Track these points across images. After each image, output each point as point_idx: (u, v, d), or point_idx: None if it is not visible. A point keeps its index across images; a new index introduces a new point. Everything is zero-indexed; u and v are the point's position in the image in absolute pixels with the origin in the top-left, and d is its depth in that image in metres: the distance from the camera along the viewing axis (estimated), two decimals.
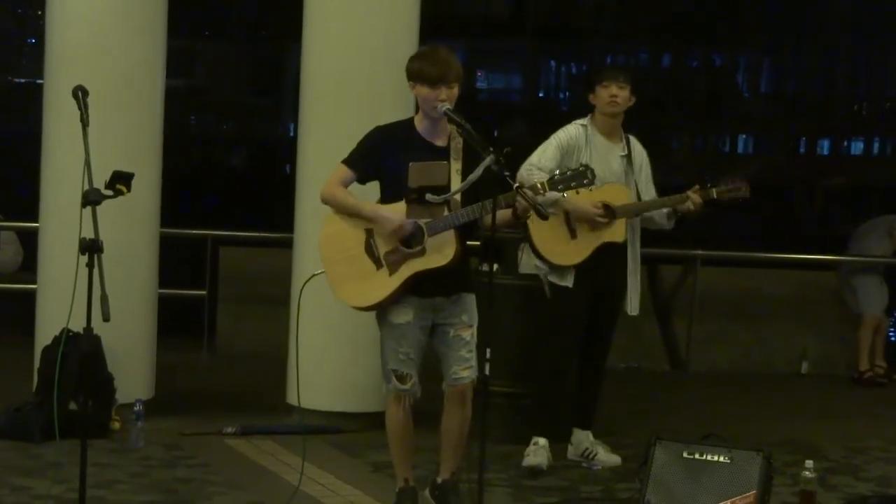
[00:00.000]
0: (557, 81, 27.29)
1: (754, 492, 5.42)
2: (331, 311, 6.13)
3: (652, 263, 9.91)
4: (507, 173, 4.86)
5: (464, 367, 5.18)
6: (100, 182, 4.64)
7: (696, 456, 5.57)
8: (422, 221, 5.03)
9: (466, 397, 5.22)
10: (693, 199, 6.37)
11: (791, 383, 9.79)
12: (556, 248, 6.38)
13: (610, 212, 6.31)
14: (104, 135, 6.07)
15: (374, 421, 6.51)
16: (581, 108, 6.62)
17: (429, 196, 4.99)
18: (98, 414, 6.66)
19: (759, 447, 5.56)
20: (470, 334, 5.21)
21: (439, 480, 5.39)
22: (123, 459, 6.29)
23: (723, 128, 24.99)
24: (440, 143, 5.16)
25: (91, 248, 4.40)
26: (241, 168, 22.25)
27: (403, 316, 5.14)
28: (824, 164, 23.70)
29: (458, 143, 5.12)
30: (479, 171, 4.84)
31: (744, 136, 25.78)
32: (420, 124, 5.19)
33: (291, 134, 17.46)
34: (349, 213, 5.17)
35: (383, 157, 5.13)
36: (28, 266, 9.35)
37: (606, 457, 6.58)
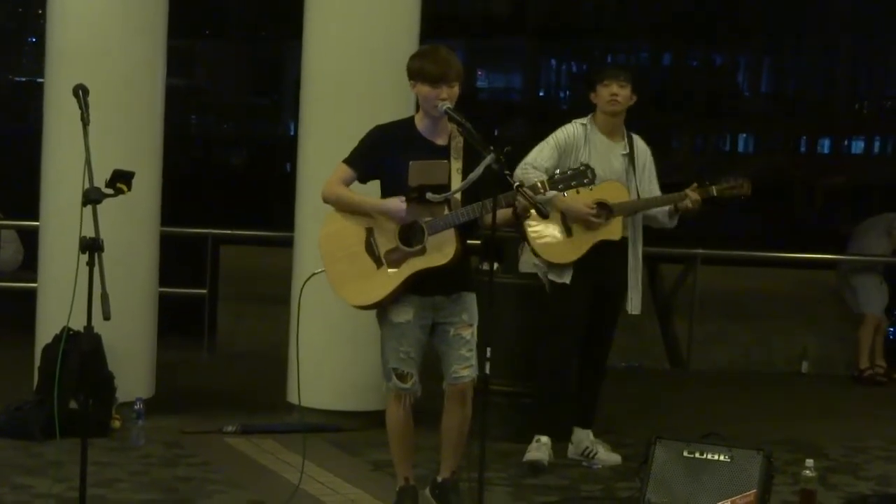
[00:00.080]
0: (558, 80, 27.33)
1: (755, 491, 5.42)
2: (331, 310, 6.13)
3: (652, 262, 9.92)
4: (507, 172, 4.86)
5: (464, 366, 5.18)
6: (100, 181, 4.63)
7: (697, 455, 5.57)
8: (422, 220, 5.03)
9: (467, 396, 5.22)
10: (692, 196, 6.36)
11: (791, 382, 9.79)
12: (552, 246, 6.38)
13: (606, 210, 6.31)
14: (105, 134, 6.06)
15: (374, 419, 6.51)
16: (582, 107, 6.62)
17: (429, 195, 4.99)
18: (98, 412, 6.66)
19: (760, 446, 5.56)
20: (470, 333, 5.21)
21: (439, 479, 5.39)
22: (124, 458, 6.29)
23: (723, 127, 25.02)
24: (441, 141, 5.16)
25: (91, 246, 4.40)
26: (242, 167, 22.27)
27: (404, 315, 5.14)
28: (825, 163, 23.72)
29: (458, 142, 5.12)
30: (479, 170, 4.84)
31: (744, 135, 25.81)
32: (420, 123, 5.19)
33: (292, 133, 17.49)
34: (352, 209, 5.16)
35: (384, 155, 5.13)
36: (28, 265, 9.35)
37: (607, 456, 6.59)
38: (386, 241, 5.11)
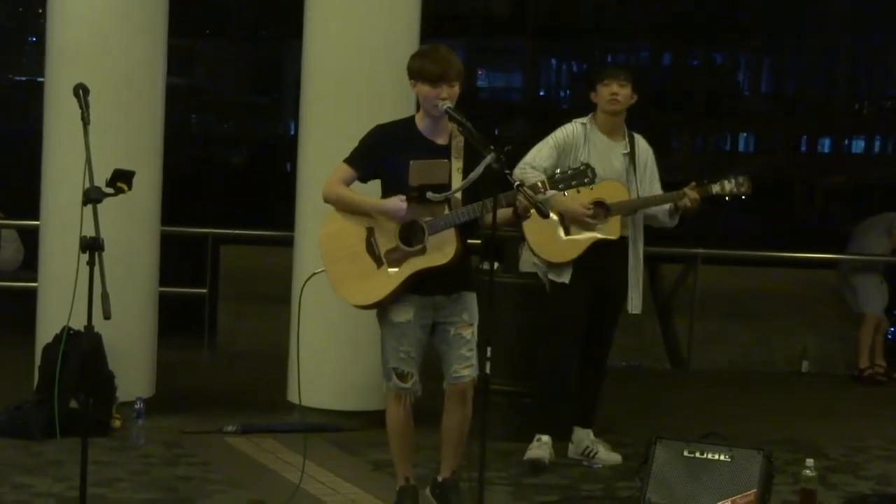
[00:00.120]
0: (558, 80, 27.33)
1: (755, 490, 5.43)
2: (331, 310, 6.13)
3: (653, 262, 9.91)
4: (507, 172, 4.86)
5: (464, 366, 5.18)
6: (100, 180, 4.63)
7: (697, 454, 5.58)
8: (422, 220, 5.03)
9: (467, 396, 5.22)
10: (690, 195, 6.34)
11: (791, 382, 9.79)
12: (550, 245, 6.39)
13: (604, 209, 6.31)
14: (105, 133, 6.05)
15: (374, 419, 6.51)
16: (582, 107, 6.62)
17: (429, 194, 4.99)
18: (99, 412, 6.66)
19: (760, 446, 5.56)
20: (470, 333, 5.21)
21: (440, 479, 5.39)
22: (124, 457, 6.29)
23: (723, 126, 25.02)
24: (441, 141, 5.16)
25: (92, 246, 4.40)
26: (242, 166, 22.27)
27: (404, 314, 5.14)
28: (825, 162, 23.72)
29: (459, 142, 5.12)
30: (479, 170, 4.84)
31: (744, 134, 25.81)
32: (421, 123, 5.19)
33: (292, 132, 17.49)
34: (352, 209, 5.16)
35: (384, 155, 5.13)
36: (29, 264, 9.36)
37: (607, 455, 6.59)
38: (386, 241, 5.11)
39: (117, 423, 6.81)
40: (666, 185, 6.57)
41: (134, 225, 6.99)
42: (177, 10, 7.31)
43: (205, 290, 9.85)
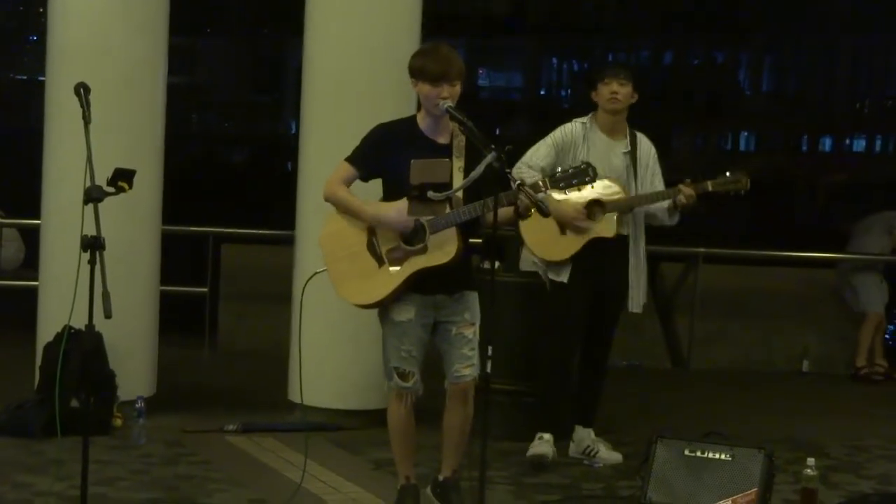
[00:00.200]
0: (559, 79, 27.33)
1: (756, 489, 5.43)
2: (332, 309, 6.12)
3: (653, 261, 9.89)
4: (508, 171, 4.86)
5: (466, 365, 5.18)
6: (101, 179, 4.64)
7: (698, 454, 5.58)
8: (424, 219, 5.03)
9: (468, 395, 5.22)
10: (685, 191, 6.32)
11: (792, 381, 9.78)
12: (546, 244, 6.39)
13: (600, 207, 6.31)
14: (106, 132, 6.05)
15: (375, 418, 6.51)
16: (583, 106, 6.62)
17: (430, 193, 4.99)
18: (99, 411, 6.66)
19: (761, 445, 5.56)
20: (472, 332, 5.20)
21: (441, 478, 5.39)
22: (125, 456, 6.29)
23: (724, 125, 25.01)
24: (442, 140, 5.16)
25: (93, 245, 4.41)
26: (243, 165, 22.27)
27: (405, 313, 5.13)
28: (826, 161, 23.72)
29: (460, 141, 5.12)
30: (480, 169, 4.84)
31: (745, 133, 25.81)
32: (422, 122, 5.19)
33: (293, 131, 17.48)
34: (351, 214, 5.16)
35: (386, 154, 5.13)
36: (30, 263, 9.36)
37: (608, 454, 6.58)
38: (387, 240, 5.11)
39: (118, 422, 6.80)
40: (667, 185, 6.56)
41: (135, 224, 6.99)
42: (177, 8, 7.31)
43: (206, 289, 9.85)
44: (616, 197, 6.34)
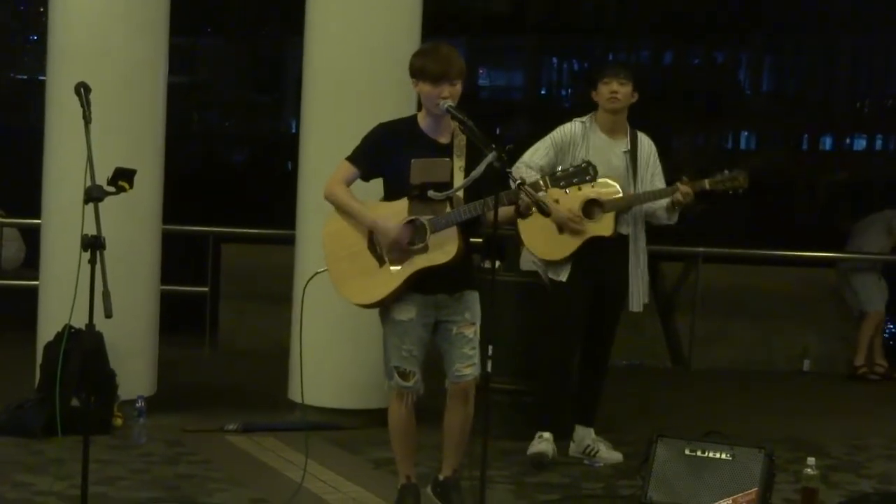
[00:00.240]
0: (559, 79, 27.30)
1: (756, 489, 5.43)
2: (332, 309, 6.12)
3: (654, 260, 9.89)
4: (509, 170, 4.86)
5: (466, 365, 5.18)
6: (102, 179, 4.64)
7: (698, 453, 5.58)
8: (424, 218, 5.03)
9: (469, 395, 5.22)
10: (682, 190, 6.31)
11: (793, 381, 9.79)
12: (544, 243, 6.40)
13: (597, 206, 6.31)
14: (106, 132, 6.06)
15: (375, 418, 6.52)
16: (584, 106, 6.62)
17: (431, 193, 4.99)
18: (100, 410, 6.66)
19: (761, 444, 5.57)
20: (473, 332, 5.20)
21: (441, 477, 5.39)
22: (125, 456, 6.29)
23: (724, 125, 24.99)
24: (443, 140, 5.15)
25: (93, 244, 4.41)
26: (243, 165, 22.25)
27: (406, 313, 5.13)
28: (827, 160, 23.71)
29: (461, 140, 5.12)
30: (481, 168, 4.84)
31: (746, 133, 25.79)
32: (423, 121, 5.19)
33: (293, 130, 17.47)
34: (349, 215, 5.16)
35: (387, 154, 5.13)
36: (30, 263, 9.37)
37: (608, 454, 6.59)
38: None
39: (118, 422, 6.81)
40: (668, 184, 6.55)
41: (135, 223, 6.99)
42: (178, 8, 7.31)
43: (206, 289, 9.86)
44: (614, 196, 6.34)
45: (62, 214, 6.80)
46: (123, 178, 4.85)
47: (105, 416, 6.72)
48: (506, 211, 4.96)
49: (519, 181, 4.89)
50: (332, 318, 6.74)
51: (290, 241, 7.61)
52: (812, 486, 5.58)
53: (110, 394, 6.82)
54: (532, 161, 6.32)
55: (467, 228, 5.09)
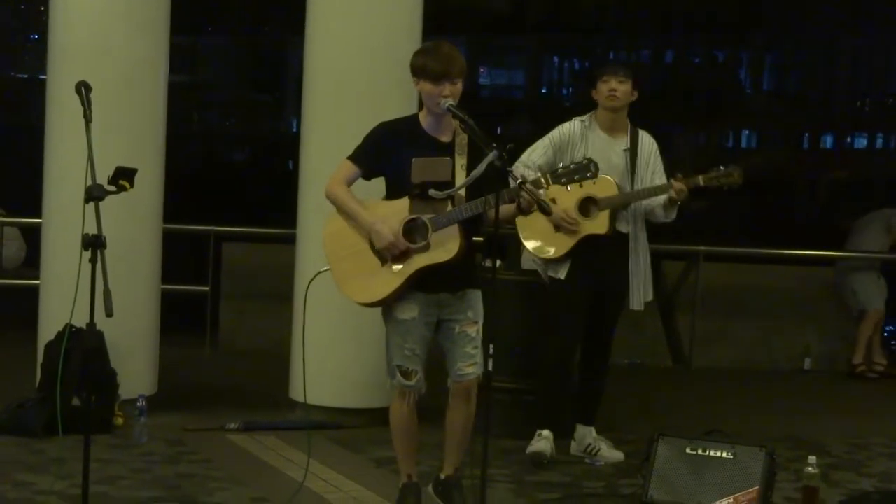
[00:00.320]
0: (560, 77, 27.30)
1: (757, 487, 5.43)
2: (333, 308, 6.13)
3: (655, 259, 9.89)
4: (510, 169, 4.86)
5: (469, 364, 5.18)
6: (103, 178, 4.64)
7: (700, 452, 5.58)
8: (425, 217, 5.03)
9: (471, 393, 5.22)
10: (676, 186, 6.30)
11: (794, 379, 9.79)
12: (541, 241, 6.40)
13: (593, 204, 6.31)
14: (107, 131, 6.06)
15: (376, 416, 6.52)
16: (584, 105, 6.62)
17: (432, 192, 4.99)
18: (101, 409, 6.66)
19: (763, 443, 5.57)
20: (475, 331, 5.20)
21: (443, 476, 5.39)
22: (126, 455, 6.29)
23: (725, 124, 24.98)
24: (445, 138, 5.15)
25: (94, 243, 4.41)
26: (244, 164, 22.25)
27: (409, 312, 5.13)
28: (827, 158, 23.71)
29: (462, 139, 5.12)
30: (482, 167, 4.84)
31: (746, 131, 25.79)
32: (425, 120, 5.18)
33: (294, 130, 17.47)
34: (348, 216, 5.16)
35: (388, 152, 5.12)
36: (31, 262, 9.37)
37: (609, 453, 6.58)
38: None
39: (119, 421, 6.81)
40: None
41: (136, 222, 6.99)
42: (178, 7, 7.31)
43: (207, 288, 9.85)
44: (610, 193, 6.34)
45: (63, 213, 6.80)
46: (124, 177, 4.84)
47: (106, 416, 6.72)
48: (507, 209, 4.96)
49: (520, 180, 4.89)
50: (334, 317, 6.74)
51: (290, 241, 7.61)
52: (813, 484, 5.59)
53: (111, 393, 6.81)
54: (530, 160, 6.33)
55: (469, 227, 5.09)
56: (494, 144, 4.81)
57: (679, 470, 5.60)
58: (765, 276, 10.49)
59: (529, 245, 6.45)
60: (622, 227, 6.42)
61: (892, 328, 10.90)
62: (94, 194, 4.51)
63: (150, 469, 6.07)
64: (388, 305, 5.17)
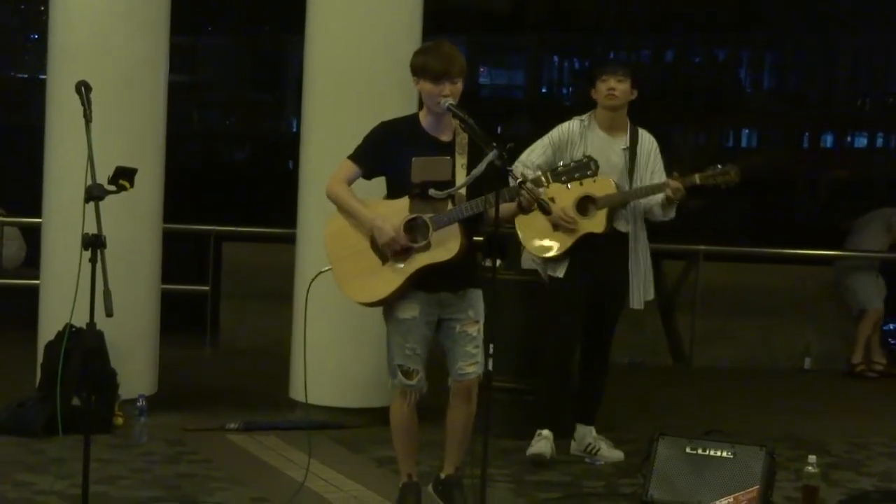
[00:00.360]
0: (560, 77, 27.30)
1: (757, 487, 5.43)
2: (334, 307, 6.13)
3: (655, 258, 9.89)
4: (509, 168, 4.86)
5: (469, 363, 5.17)
6: (103, 177, 4.64)
7: (700, 451, 5.58)
8: (426, 216, 5.03)
9: (472, 393, 5.21)
10: (671, 185, 6.29)
11: (794, 379, 9.78)
12: (538, 240, 6.40)
13: (591, 203, 6.31)
14: (107, 130, 6.06)
15: (376, 416, 6.52)
16: (585, 104, 6.62)
17: (432, 191, 4.99)
18: (101, 409, 6.66)
19: (763, 442, 5.57)
20: (476, 330, 5.20)
21: (443, 476, 5.39)
22: (126, 455, 6.29)
23: (726, 123, 24.99)
24: (445, 138, 5.15)
25: (94, 243, 4.41)
26: (244, 164, 22.25)
27: (410, 311, 5.13)
28: (828, 157, 23.71)
29: (463, 139, 5.12)
30: (482, 167, 4.84)
31: (747, 130, 25.79)
32: (425, 119, 5.18)
33: (294, 129, 17.47)
34: (349, 214, 5.16)
35: (389, 152, 5.12)
36: (31, 262, 9.37)
37: (609, 452, 6.58)
38: None
39: (119, 421, 6.81)
40: None
41: (136, 222, 6.99)
42: (178, 7, 7.31)
43: (207, 288, 9.85)
44: (608, 192, 6.33)
45: (63, 213, 6.80)
46: (124, 176, 4.84)
47: (106, 415, 6.72)
48: (507, 207, 4.96)
49: (520, 179, 4.89)
50: (334, 316, 6.73)
51: (290, 240, 7.61)
52: (813, 483, 5.59)
53: (111, 393, 6.81)
54: (529, 160, 6.33)
55: (470, 226, 5.09)
56: (494, 144, 4.81)
57: (679, 469, 5.60)
58: (765, 275, 10.49)
59: (528, 244, 6.46)
60: (621, 227, 6.42)
61: (892, 327, 10.89)
62: (94, 194, 4.51)
63: (150, 469, 6.07)
64: (388, 305, 5.17)
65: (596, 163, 5.06)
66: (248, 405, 7.44)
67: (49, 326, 6.89)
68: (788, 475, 6.14)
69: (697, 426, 6.20)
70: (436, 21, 7.66)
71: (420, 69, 5.08)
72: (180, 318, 9.25)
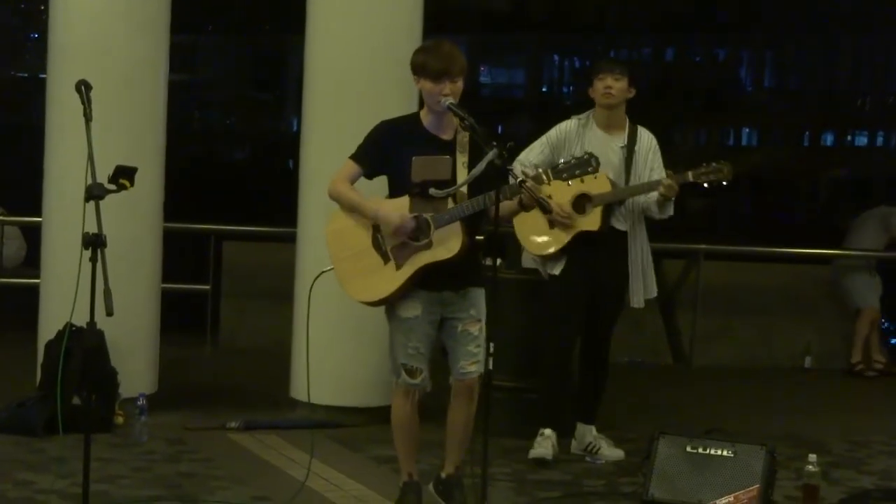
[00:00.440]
0: (561, 76, 27.30)
1: (758, 486, 5.43)
2: (334, 306, 6.13)
3: (655, 257, 9.89)
4: (509, 167, 4.86)
5: (471, 362, 5.17)
6: (103, 177, 4.64)
7: (700, 450, 5.58)
8: (427, 215, 5.03)
9: (473, 392, 5.21)
10: (664, 182, 6.29)
11: (794, 378, 9.78)
12: (534, 238, 6.41)
13: (588, 200, 6.31)
14: (107, 130, 6.06)
15: (377, 415, 6.52)
16: (585, 103, 6.62)
17: (432, 190, 4.99)
18: (101, 408, 6.66)
19: (763, 441, 5.57)
20: (478, 329, 5.20)
21: (443, 475, 5.39)
22: (127, 454, 6.29)
23: (726, 122, 24.99)
24: (446, 137, 5.15)
25: (94, 242, 4.41)
26: (244, 163, 22.26)
27: (412, 310, 5.13)
28: (828, 156, 23.71)
29: (464, 137, 5.12)
30: (482, 166, 4.84)
31: (747, 129, 25.79)
32: (426, 118, 5.18)
33: (294, 129, 17.47)
34: (353, 210, 5.16)
35: (389, 151, 5.13)
36: (31, 261, 9.37)
37: (610, 451, 6.58)
38: (392, 237, 5.10)
39: (120, 420, 6.81)
40: None
41: (136, 221, 6.99)
42: (178, 6, 7.31)
43: (207, 287, 9.86)
44: (604, 190, 6.33)
45: (63, 212, 6.80)
46: (124, 175, 4.84)
47: (106, 415, 6.72)
48: (508, 206, 4.96)
49: (521, 178, 4.89)
50: (335, 315, 6.73)
51: (291, 240, 7.61)
52: (813, 482, 5.59)
53: (111, 392, 6.82)
54: (527, 160, 6.33)
55: (471, 224, 5.09)
56: (494, 143, 4.81)
57: (680, 468, 5.60)
58: (765, 274, 10.49)
59: (524, 241, 6.46)
60: (619, 225, 6.42)
61: (892, 326, 10.89)
62: (94, 193, 4.51)
63: (150, 468, 6.07)
64: (391, 304, 5.17)
65: (597, 159, 5.07)
66: (248, 404, 7.45)
67: (49, 326, 6.89)
68: (789, 474, 6.14)
69: (698, 425, 6.20)
70: (436, 21, 7.66)
71: (420, 68, 5.09)
72: (180, 317, 9.25)
